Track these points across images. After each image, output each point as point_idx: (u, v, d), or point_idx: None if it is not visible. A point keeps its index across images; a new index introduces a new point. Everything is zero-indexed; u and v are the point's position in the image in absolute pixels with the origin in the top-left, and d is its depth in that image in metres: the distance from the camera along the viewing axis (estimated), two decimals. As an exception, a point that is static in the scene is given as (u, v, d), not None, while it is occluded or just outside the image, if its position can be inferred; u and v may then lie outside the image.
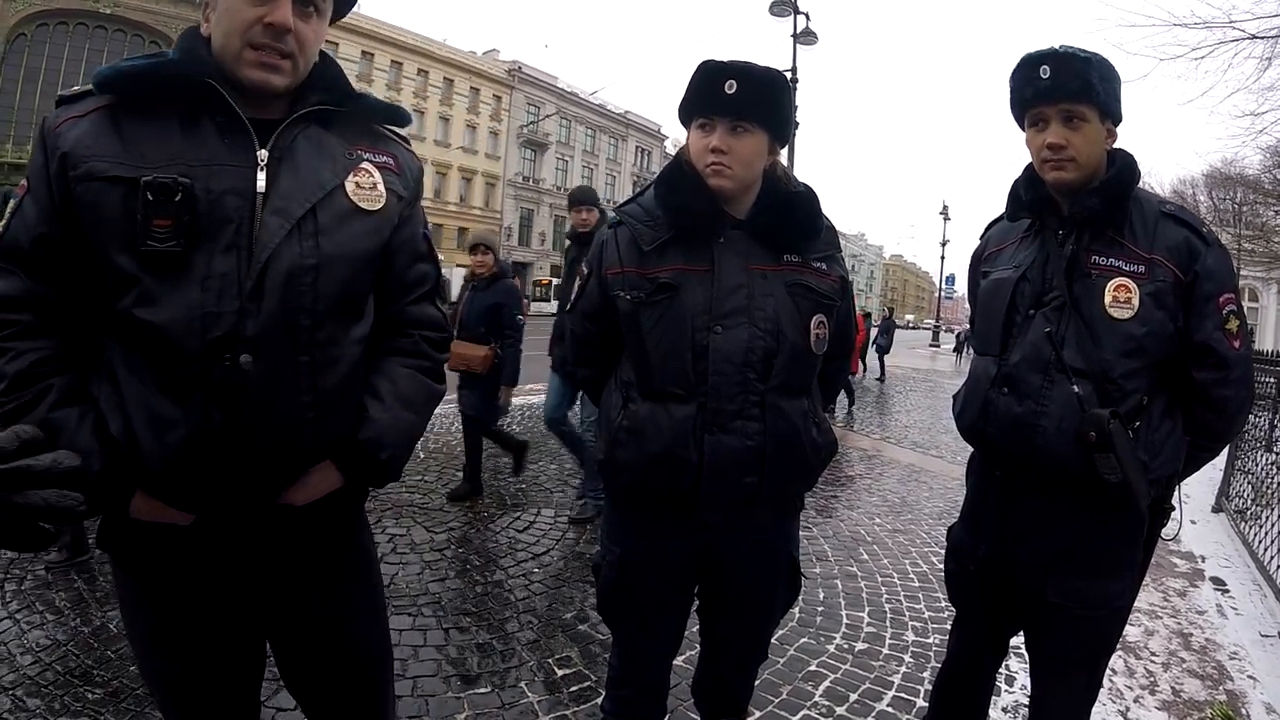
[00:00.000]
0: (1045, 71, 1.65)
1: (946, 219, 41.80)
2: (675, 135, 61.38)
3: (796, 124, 14.12)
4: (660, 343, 1.60)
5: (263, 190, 1.16)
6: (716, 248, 1.62)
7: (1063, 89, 1.64)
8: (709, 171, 1.59)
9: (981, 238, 2.07)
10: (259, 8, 1.13)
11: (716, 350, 1.57)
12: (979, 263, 2.03)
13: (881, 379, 16.23)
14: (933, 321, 52.78)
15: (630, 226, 1.69)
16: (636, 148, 60.53)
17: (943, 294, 45.31)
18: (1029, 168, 1.80)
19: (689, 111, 1.64)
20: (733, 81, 1.54)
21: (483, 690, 2.63)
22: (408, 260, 1.37)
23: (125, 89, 1.15)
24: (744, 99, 1.56)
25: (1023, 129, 1.78)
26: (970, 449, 1.99)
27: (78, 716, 2.32)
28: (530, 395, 9.15)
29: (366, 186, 1.27)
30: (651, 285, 1.62)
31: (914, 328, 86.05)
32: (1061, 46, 1.67)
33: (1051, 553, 1.72)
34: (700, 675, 1.95)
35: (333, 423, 1.23)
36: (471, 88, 47.82)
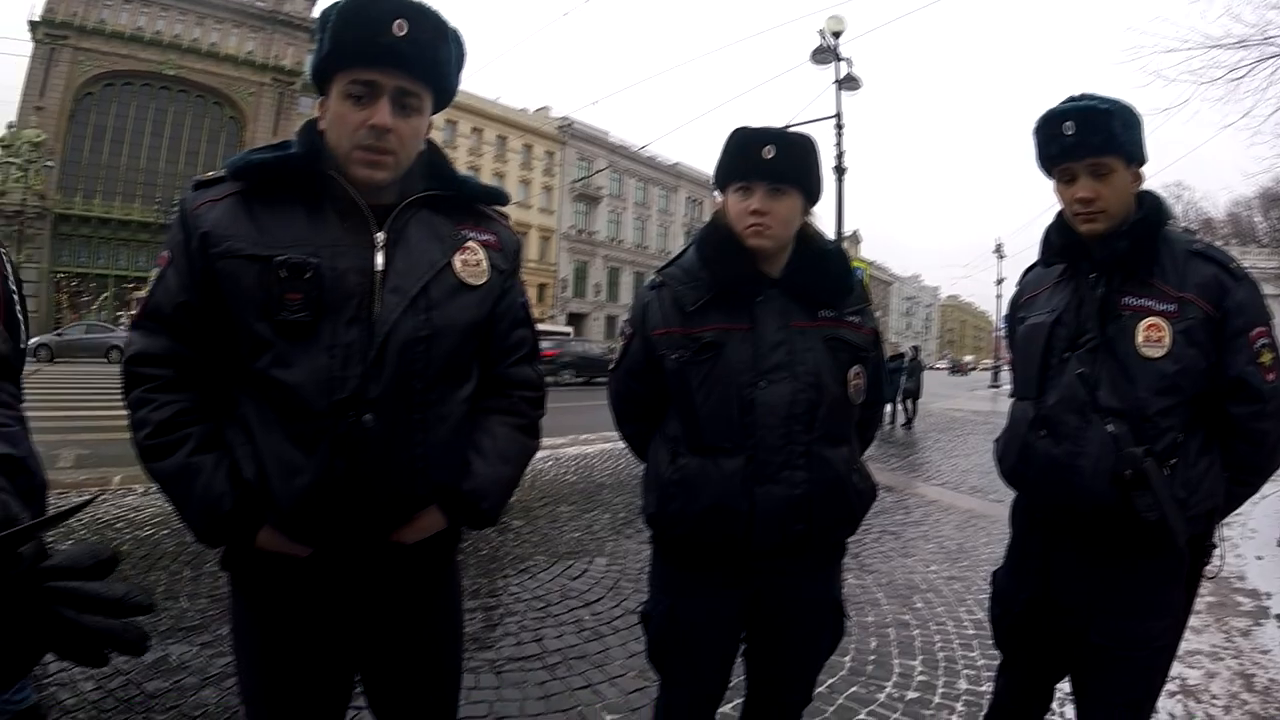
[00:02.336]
0: (1069, 128, 1.69)
1: (1001, 256, 41.14)
2: (725, 184, 61.79)
3: (845, 169, 14.20)
4: (708, 399, 1.67)
5: (380, 268, 1.31)
6: (756, 306, 1.70)
7: (1088, 144, 1.68)
8: (749, 232, 1.67)
9: (1018, 284, 2.11)
10: (363, 112, 1.28)
11: (762, 404, 1.64)
12: (1016, 308, 2.05)
13: (909, 425, 15.09)
14: (991, 362, 51.68)
15: (672, 288, 1.77)
16: (688, 198, 61.38)
17: (1001, 334, 44.32)
18: (1060, 214, 1.84)
19: (727, 177, 1.73)
20: (771, 147, 1.64)
21: (533, 735, 2.65)
22: (508, 326, 1.51)
23: (255, 177, 1.32)
24: (782, 163, 1.65)
25: (1050, 179, 1.82)
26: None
27: None
28: (585, 445, 9.26)
29: (472, 264, 1.41)
30: (696, 344, 1.69)
31: (971, 369, 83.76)
32: (1082, 99, 1.72)
33: (1093, 594, 1.72)
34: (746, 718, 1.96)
35: (440, 472, 1.36)
36: (524, 144, 49.32)
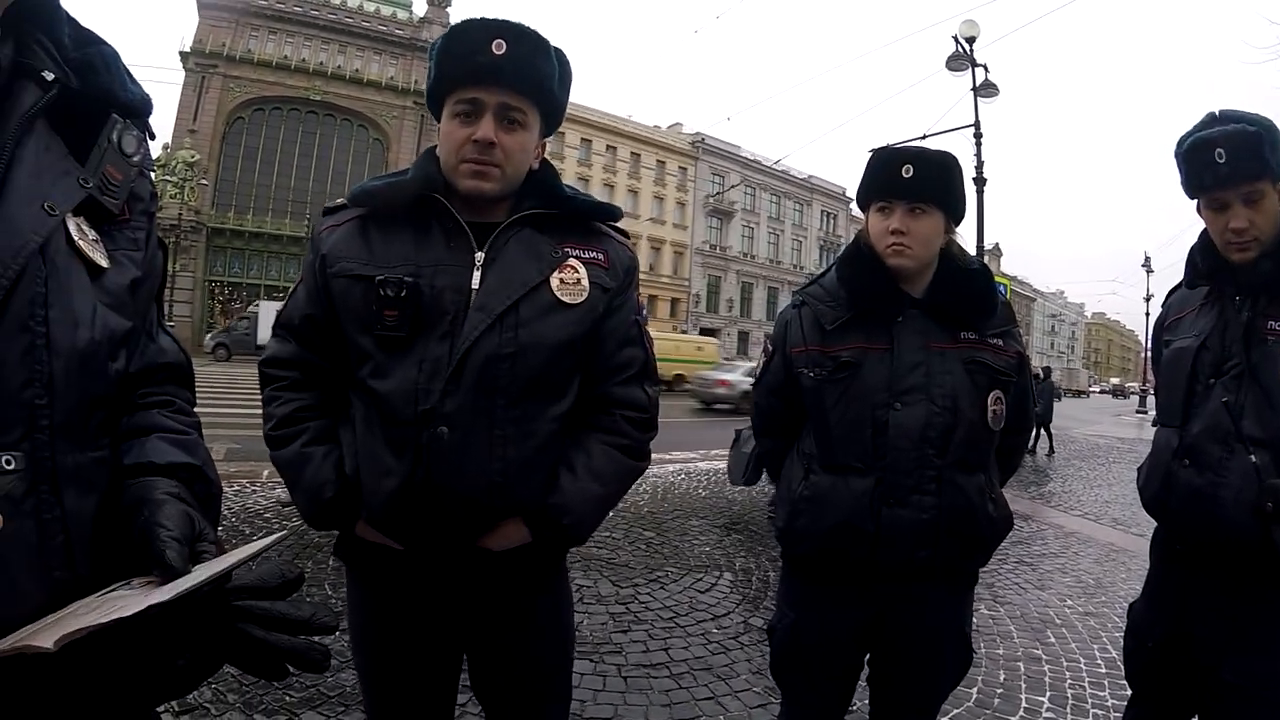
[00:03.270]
0: (1221, 156, 1.65)
1: (1149, 271, 38.38)
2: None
3: (984, 179, 13.66)
4: (842, 418, 1.69)
5: (475, 287, 1.37)
6: (895, 326, 1.70)
7: (1242, 173, 1.65)
8: (889, 252, 1.69)
9: (1164, 305, 2.07)
10: (468, 128, 1.37)
11: (896, 426, 1.64)
12: (1161, 331, 2.02)
13: (1051, 453, 14.39)
14: (1138, 385, 48.11)
15: (813, 307, 1.80)
16: (822, 211, 60.52)
17: (1149, 355, 41.25)
18: (1205, 234, 1.80)
19: (867, 196, 1.76)
20: (909, 166, 1.65)
21: (658, 739, 2.78)
22: (616, 345, 1.50)
23: (371, 203, 1.44)
24: (920, 182, 1.66)
25: (1193, 201, 1.80)
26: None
27: (274, 714, 2.68)
28: (718, 461, 9.34)
29: (570, 282, 1.42)
30: (834, 363, 1.71)
31: (1118, 394, 78.13)
32: (1226, 119, 1.68)
33: (1228, 630, 1.69)
34: None
35: (521, 487, 1.38)
36: (658, 160, 49.82)
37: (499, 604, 1.47)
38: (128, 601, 0.71)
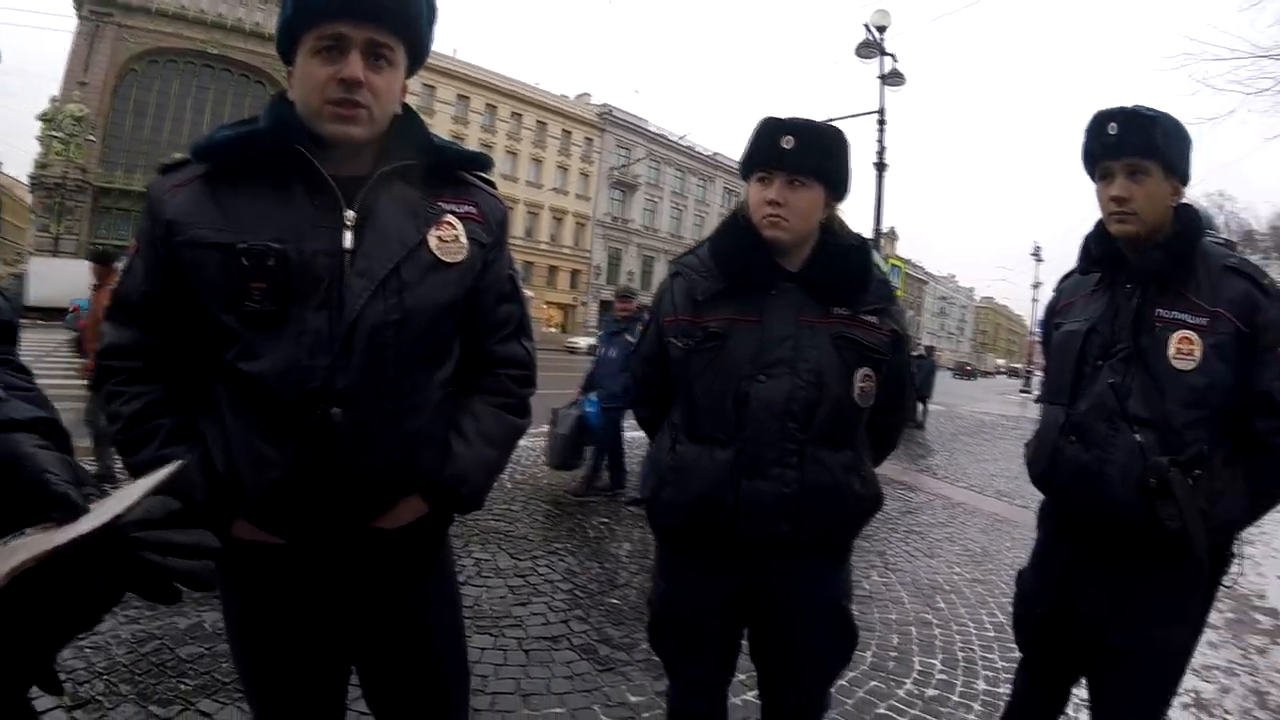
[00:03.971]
0: (1113, 128, 1.73)
1: (1039, 260, 40.48)
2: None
3: (885, 165, 14.04)
4: (707, 389, 1.67)
5: (349, 248, 1.23)
6: (767, 299, 1.67)
7: (1128, 144, 1.71)
8: (765, 223, 1.65)
9: (1055, 290, 2.13)
10: (331, 66, 1.21)
11: (757, 398, 1.63)
12: (1053, 314, 2.08)
13: (920, 425, 14.54)
14: (1022, 366, 50.91)
15: (687, 277, 1.76)
16: (724, 188, 61.19)
17: (1035, 338, 43.75)
18: (1100, 223, 1.86)
19: (749, 166, 1.72)
20: (790, 137, 1.61)
21: (557, 710, 2.74)
22: (493, 301, 1.44)
23: (220, 157, 1.25)
24: (801, 154, 1.62)
25: (1093, 181, 1.85)
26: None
27: (169, 704, 2.51)
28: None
29: (449, 239, 1.33)
30: (702, 333, 1.68)
31: (1014, 374, 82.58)
32: (1132, 106, 1.75)
33: (1113, 599, 1.75)
34: None
35: (418, 460, 1.31)
36: (564, 130, 49.49)
37: (389, 590, 1.38)
38: (41, 540, 0.75)
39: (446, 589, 1.53)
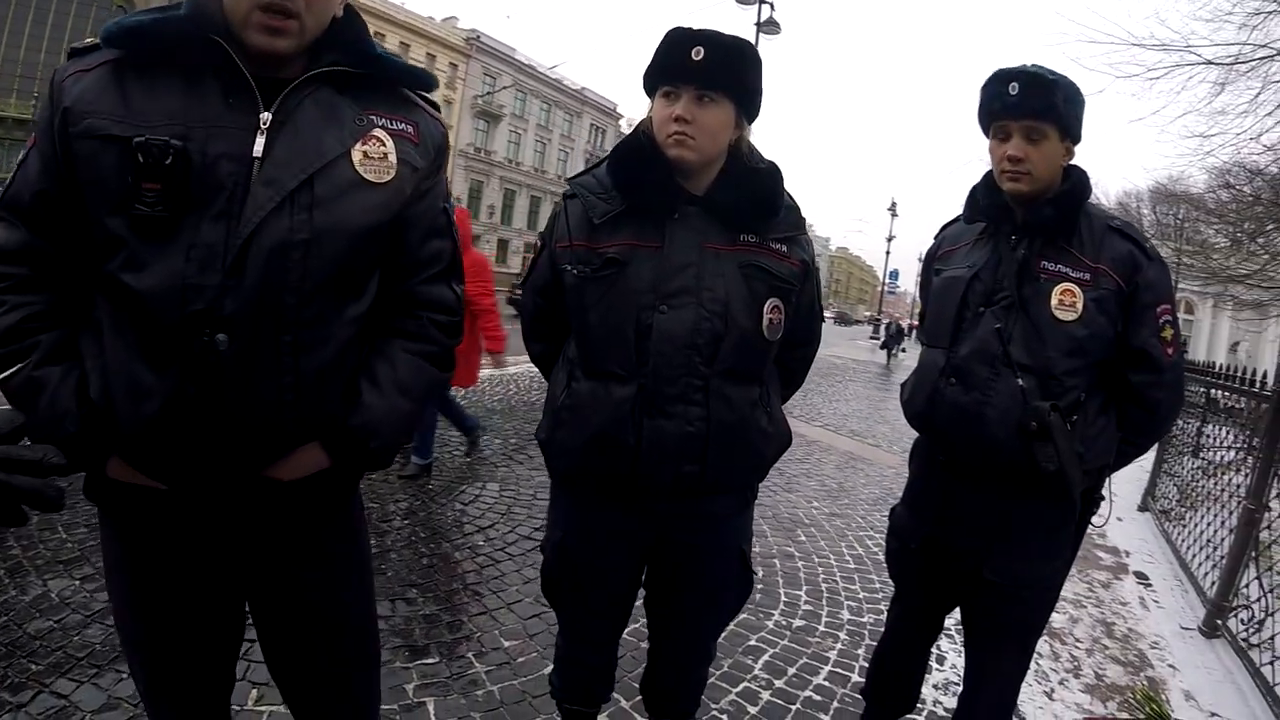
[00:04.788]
0: (1014, 89, 1.73)
1: (894, 215, 42.53)
2: (630, 115, 61.22)
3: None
4: (603, 320, 1.55)
5: (259, 155, 1.10)
6: (670, 224, 1.56)
7: (1027, 106, 1.73)
8: (670, 142, 1.52)
9: (936, 237, 2.16)
10: None
11: (659, 330, 1.52)
12: (933, 260, 2.11)
13: None
14: (872, 315, 53.71)
15: (583, 199, 1.62)
16: (591, 125, 60.19)
17: (886, 289, 46.28)
18: (988, 175, 1.89)
19: (654, 79, 1.57)
20: (700, 49, 1.48)
21: (431, 660, 2.65)
22: (422, 235, 1.31)
23: (131, 44, 1.11)
24: (712, 67, 1.49)
25: (987, 137, 1.87)
26: (913, 436, 2.10)
27: (20, 690, 2.22)
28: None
29: (376, 156, 1.20)
30: (599, 260, 1.56)
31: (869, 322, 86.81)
32: (1033, 66, 1.76)
33: (988, 535, 1.83)
34: (647, 675, 1.94)
35: (318, 404, 1.18)
36: (428, 54, 46.82)
37: (287, 541, 1.26)
38: None
39: (352, 552, 1.40)
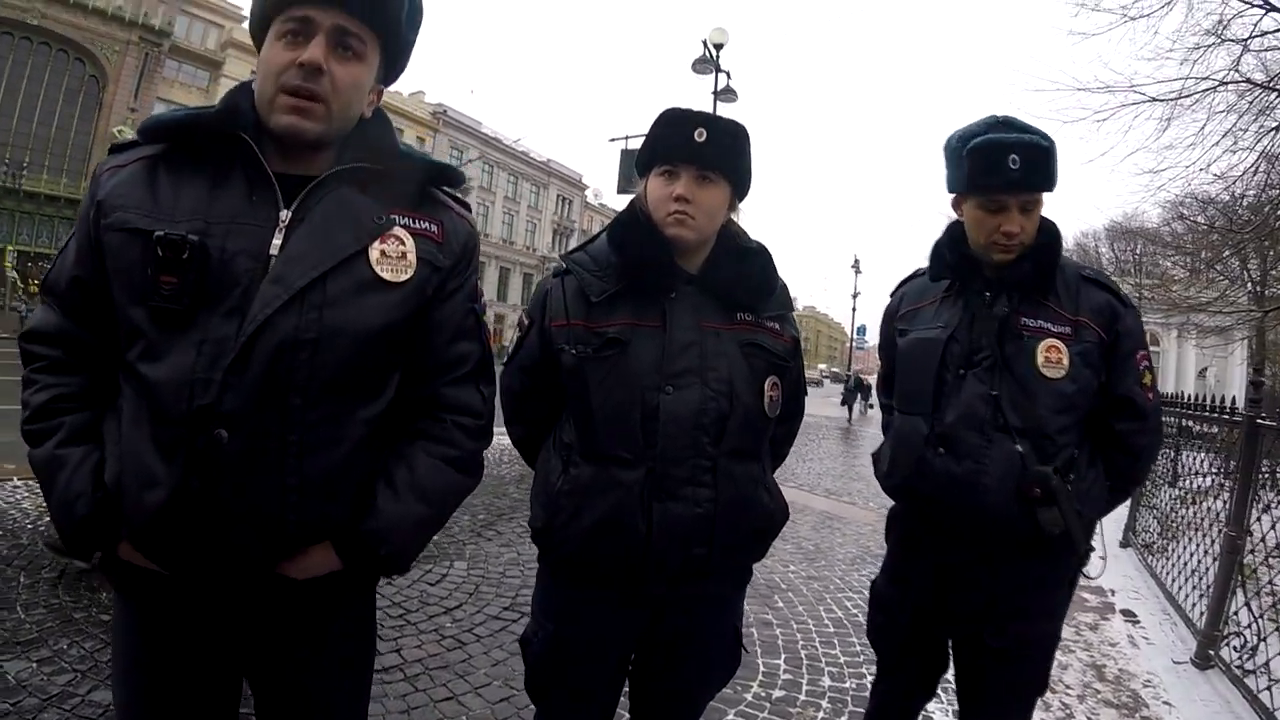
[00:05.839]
0: (1015, 161, 1.68)
1: (858, 272, 43.20)
2: (595, 185, 62.49)
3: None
4: (607, 402, 1.50)
5: (275, 253, 1.11)
6: (668, 303, 1.54)
7: (1030, 182, 1.69)
8: (670, 221, 1.53)
9: (894, 294, 2.11)
10: (293, 51, 1.12)
11: (666, 412, 1.48)
12: (894, 319, 2.06)
13: None
14: (840, 371, 54.01)
15: (578, 276, 1.59)
16: (558, 195, 61.28)
17: (854, 344, 46.78)
18: (951, 228, 1.85)
19: (651, 159, 1.58)
20: (703, 130, 1.50)
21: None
22: (447, 338, 1.29)
23: (165, 139, 1.16)
24: (713, 148, 1.51)
25: (961, 197, 1.82)
26: (887, 502, 2.03)
27: None
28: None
29: (394, 255, 1.19)
30: (599, 340, 1.52)
31: (824, 379, 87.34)
32: (1014, 129, 1.73)
33: (987, 600, 1.77)
34: None
35: (323, 506, 1.15)
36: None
37: (295, 630, 1.24)
38: None
39: (356, 652, 1.36)
